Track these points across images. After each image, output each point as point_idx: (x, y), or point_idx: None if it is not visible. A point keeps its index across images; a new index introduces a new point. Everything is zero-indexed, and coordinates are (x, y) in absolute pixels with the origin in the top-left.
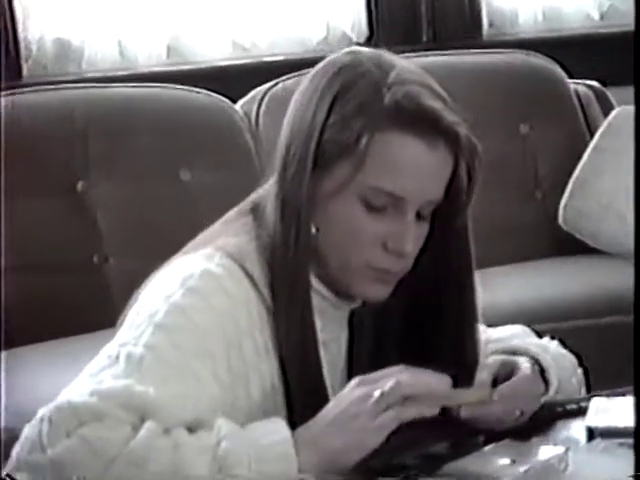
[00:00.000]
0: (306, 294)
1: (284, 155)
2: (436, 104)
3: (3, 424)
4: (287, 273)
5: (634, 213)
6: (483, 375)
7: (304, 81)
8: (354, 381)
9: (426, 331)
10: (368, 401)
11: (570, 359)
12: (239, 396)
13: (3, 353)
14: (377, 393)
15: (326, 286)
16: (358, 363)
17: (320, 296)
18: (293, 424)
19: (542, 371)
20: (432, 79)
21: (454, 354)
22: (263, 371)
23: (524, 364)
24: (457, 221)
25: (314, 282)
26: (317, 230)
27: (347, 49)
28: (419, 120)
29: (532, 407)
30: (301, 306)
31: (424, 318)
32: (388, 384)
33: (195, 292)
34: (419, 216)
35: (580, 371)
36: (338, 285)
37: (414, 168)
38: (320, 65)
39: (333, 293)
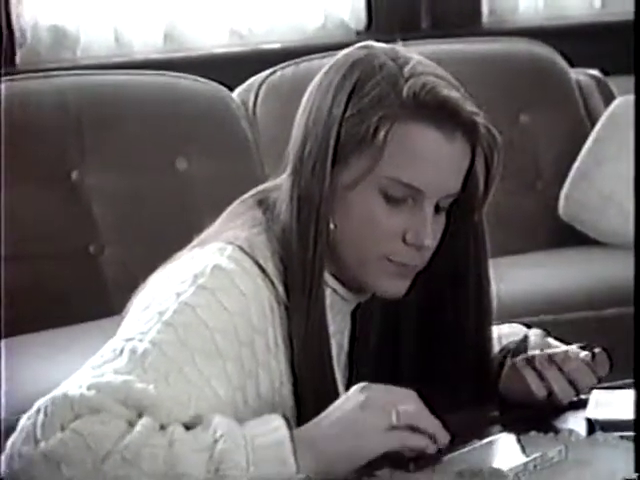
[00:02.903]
0: (321, 290)
1: (299, 152)
2: (454, 94)
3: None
4: (304, 270)
5: (634, 205)
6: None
7: (318, 76)
8: (358, 385)
9: (442, 327)
10: (374, 409)
11: None
12: (248, 394)
13: None
14: (394, 414)
15: (337, 280)
16: (362, 356)
17: (330, 289)
18: (300, 419)
19: None
20: (446, 72)
21: (472, 349)
22: (272, 367)
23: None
24: (475, 215)
25: (326, 275)
26: (335, 226)
27: (361, 44)
28: (437, 111)
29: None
30: (317, 302)
31: (440, 313)
32: (404, 406)
33: (206, 290)
34: (437, 209)
35: None
36: (354, 281)
37: (432, 160)
38: (334, 60)
39: (343, 286)
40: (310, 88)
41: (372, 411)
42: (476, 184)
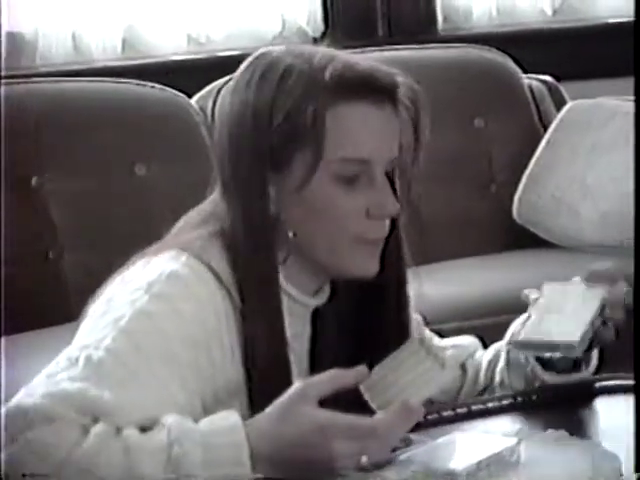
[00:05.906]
0: (277, 295)
1: (227, 168)
2: (370, 64)
3: None
4: (258, 277)
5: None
6: None
7: (225, 95)
8: (297, 385)
9: (375, 322)
10: (335, 437)
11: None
12: (206, 399)
13: None
14: (364, 457)
15: (292, 284)
16: (320, 360)
17: (286, 294)
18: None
19: None
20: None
21: (398, 339)
22: (229, 371)
23: None
24: (411, 186)
25: (281, 280)
26: (294, 235)
27: (256, 53)
28: (361, 84)
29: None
30: (273, 307)
31: (372, 309)
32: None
33: (162, 297)
34: (387, 177)
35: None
36: (330, 272)
37: (369, 130)
38: (239, 72)
39: (299, 291)
40: (219, 109)
41: (331, 441)
42: (409, 143)
